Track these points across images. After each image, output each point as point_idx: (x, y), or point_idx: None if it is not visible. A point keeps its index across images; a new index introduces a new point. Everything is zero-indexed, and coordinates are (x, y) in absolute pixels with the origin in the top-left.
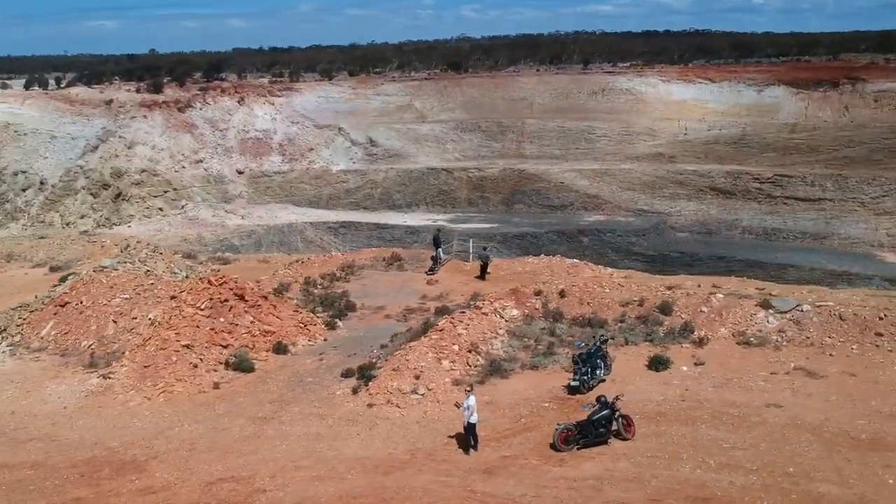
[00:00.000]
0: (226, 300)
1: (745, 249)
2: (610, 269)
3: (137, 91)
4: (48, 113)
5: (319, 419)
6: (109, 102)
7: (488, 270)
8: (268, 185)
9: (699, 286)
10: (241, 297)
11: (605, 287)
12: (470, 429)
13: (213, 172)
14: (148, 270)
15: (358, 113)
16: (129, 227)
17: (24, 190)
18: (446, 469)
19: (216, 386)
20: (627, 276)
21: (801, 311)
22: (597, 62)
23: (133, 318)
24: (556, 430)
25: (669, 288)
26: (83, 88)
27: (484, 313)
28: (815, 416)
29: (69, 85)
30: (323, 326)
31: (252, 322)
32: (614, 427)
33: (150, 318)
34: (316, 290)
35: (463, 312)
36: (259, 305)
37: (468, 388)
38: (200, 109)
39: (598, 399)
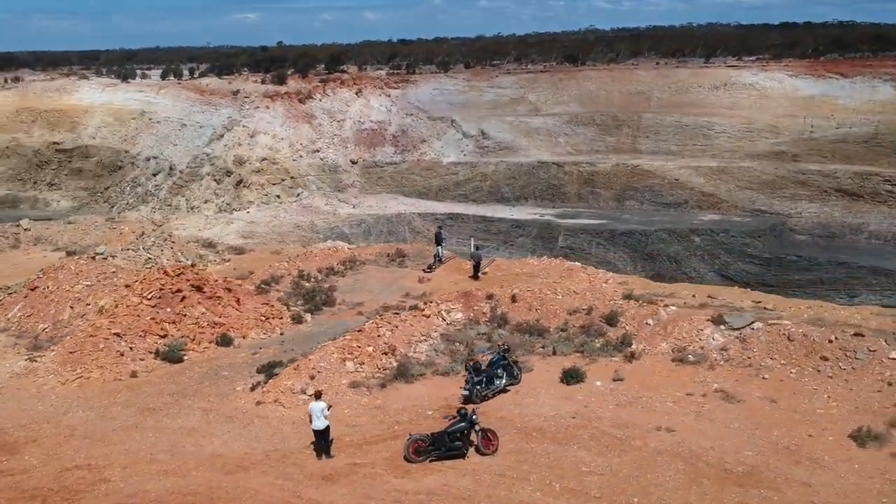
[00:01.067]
0: (178, 290)
1: (870, 255)
2: (610, 274)
3: (263, 82)
4: (180, 102)
5: (203, 413)
6: (236, 93)
7: (484, 270)
8: (379, 175)
9: (693, 296)
10: (199, 289)
11: (558, 294)
12: (317, 434)
13: (328, 162)
14: (149, 258)
15: (471, 105)
16: (248, 212)
17: (154, 174)
18: (290, 473)
19: (134, 374)
20: (624, 281)
21: (752, 329)
22: (721, 56)
23: (87, 305)
24: (408, 440)
25: (627, 297)
26: (214, 79)
27: (425, 315)
28: (702, 444)
29: (202, 75)
30: (289, 320)
31: (203, 313)
32: (476, 441)
33: (99, 306)
34: (307, 284)
35: (397, 314)
36: (219, 297)
37: (315, 394)
38: (320, 101)
39: (458, 411)
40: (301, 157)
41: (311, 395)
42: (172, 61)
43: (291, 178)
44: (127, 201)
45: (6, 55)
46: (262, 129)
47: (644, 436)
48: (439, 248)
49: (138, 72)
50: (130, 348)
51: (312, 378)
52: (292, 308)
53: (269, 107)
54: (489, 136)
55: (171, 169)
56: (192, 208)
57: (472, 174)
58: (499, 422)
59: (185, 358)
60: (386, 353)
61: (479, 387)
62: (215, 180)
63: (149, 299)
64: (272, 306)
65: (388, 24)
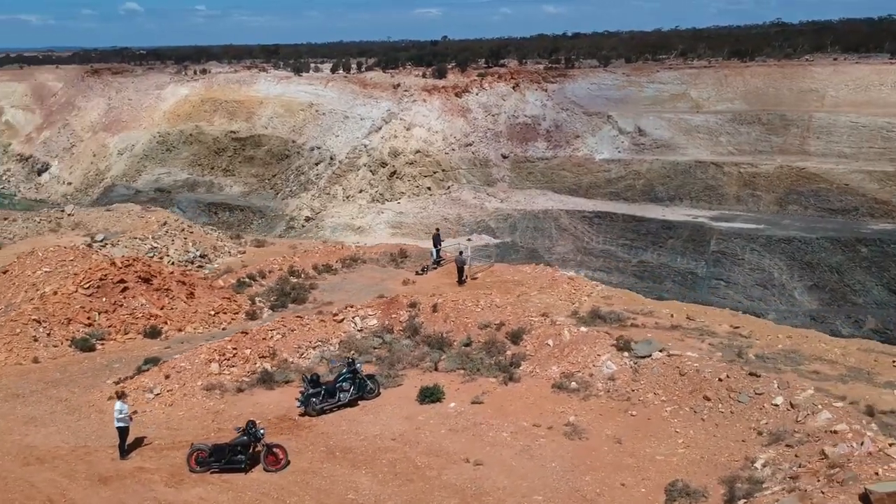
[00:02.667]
0: (121, 281)
1: None
2: (599, 286)
3: (423, 76)
4: (345, 95)
5: (56, 403)
6: (397, 87)
7: (467, 275)
8: (530, 170)
9: (672, 315)
10: (147, 281)
11: (478, 306)
12: (119, 434)
13: (479, 156)
14: (154, 247)
15: (628, 101)
16: (399, 203)
17: (317, 164)
18: (77, 471)
19: (36, 360)
20: (609, 295)
21: (651, 358)
22: None
23: (37, 290)
24: (190, 450)
25: (544, 314)
26: (378, 73)
27: (337, 320)
28: (497, 482)
29: (368, 69)
30: (242, 316)
31: (142, 305)
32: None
33: (41, 292)
34: (295, 280)
35: (300, 317)
36: (168, 290)
37: (117, 393)
38: (476, 94)
39: (247, 423)
40: (453, 150)
41: (156, 395)
42: (344, 55)
43: (443, 170)
44: (290, 188)
45: (200, 49)
46: (419, 122)
47: (446, 467)
48: (434, 250)
49: (312, 65)
50: (48, 334)
51: (167, 377)
52: (258, 304)
53: (426, 100)
54: (646, 133)
55: (331, 159)
56: (347, 197)
57: (625, 172)
58: (318, 437)
59: (99, 348)
60: (264, 357)
61: (314, 399)
62: (371, 171)
63: (86, 288)
64: (233, 301)
65: (566, 18)
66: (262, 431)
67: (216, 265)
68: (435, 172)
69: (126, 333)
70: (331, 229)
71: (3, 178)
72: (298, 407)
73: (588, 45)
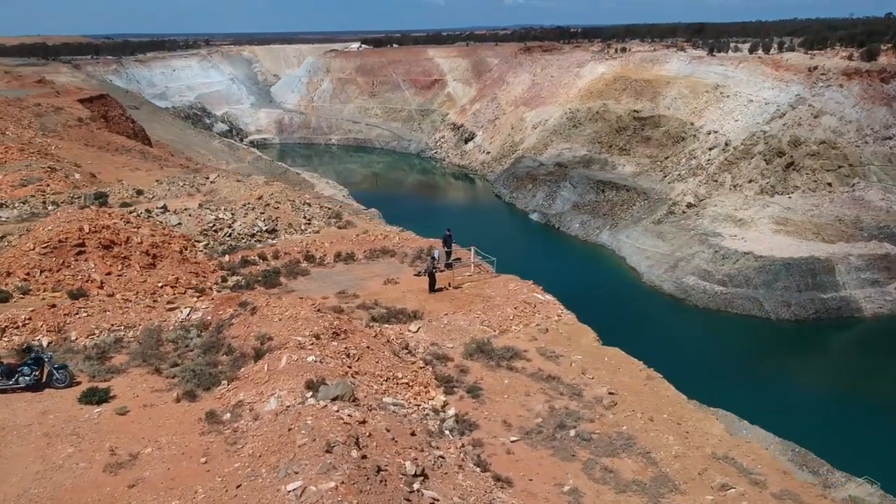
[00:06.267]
0: (80, 244)
1: None
2: (567, 316)
3: (850, 58)
4: (754, 77)
5: None
6: (812, 69)
7: (450, 283)
8: None
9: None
10: (107, 247)
11: (282, 317)
12: None
13: None
14: (220, 218)
15: None
16: (789, 197)
17: (710, 149)
18: None
19: None
20: (574, 328)
21: (304, 405)
22: None
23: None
24: None
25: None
26: (796, 54)
27: (170, 308)
28: None
29: (788, 50)
30: (193, 294)
31: (92, 269)
32: None
33: (9, 240)
34: (304, 265)
35: (127, 300)
36: (127, 258)
37: None
38: None
39: None
40: (867, 143)
41: None
42: (769, 34)
43: (850, 165)
44: (679, 172)
45: (628, 27)
46: (830, 109)
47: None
48: (436, 252)
49: (732, 45)
50: None
51: None
52: (228, 283)
53: (842, 85)
54: None
55: (726, 144)
56: (734, 186)
57: None
58: None
59: (20, 300)
60: (52, 331)
61: None
62: (765, 160)
63: (43, 247)
64: (200, 276)
65: None
66: None
67: (274, 241)
68: (840, 167)
69: (55, 292)
70: (710, 218)
71: (437, 144)
72: None
73: None
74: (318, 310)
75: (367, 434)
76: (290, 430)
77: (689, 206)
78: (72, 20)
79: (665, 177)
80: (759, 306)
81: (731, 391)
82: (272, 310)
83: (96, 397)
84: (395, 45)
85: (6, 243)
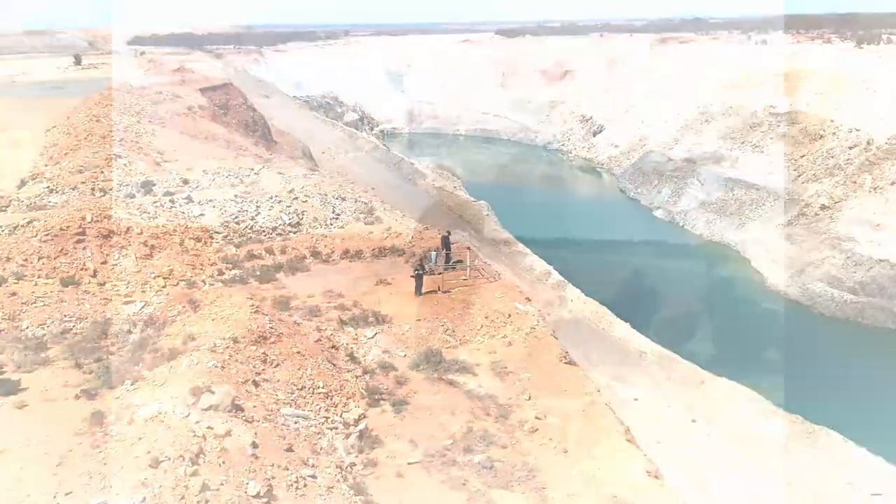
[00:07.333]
0: (81, 232)
1: None
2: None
3: None
4: None
5: None
6: None
7: (439, 287)
8: None
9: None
10: (106, 237)
11: (227, 325)
12: None
13: None
14: (243, 210)
15: None
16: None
17: (850, 148)
18: None
19: None
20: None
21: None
22: None
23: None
24: None
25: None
26: None
27: (125, 302)
28: None
29: None
30: (178, 284)
31: (88, 257)
32: None
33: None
34: (308, 262)
35: (87, 291)
36: (123, 248)
37: None
38: None
39: None
40: None
41: None
42: None
43: None
44: (814, 172)
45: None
46: None
47: None
48: (432, 253)
49: (884, 36)
50: None
51: None
52: (224, 277)
53: None
54: None
55: (867, 143)
56: (874, 188)
57: None
58: None
59: (4, 285)
60: (5, 319)
61: None
62: None
63: (45, 234)
64: (198, 270)
65: None
66: None
67: (295, 235)
68: None
69: (48, 279)
70: (845, 222)
71: (565, 136)
72: None
73: None
74: (256, 311)
75: (221, 448)
76: (139, 438)
77: (823, 207)
78: (220, 9)
79: (799, 176)
80: (893, 318)
81: (849, 410)
82: (212, 309)
83: (3, 389)
84: (527, 36)
85: (21, 230)
